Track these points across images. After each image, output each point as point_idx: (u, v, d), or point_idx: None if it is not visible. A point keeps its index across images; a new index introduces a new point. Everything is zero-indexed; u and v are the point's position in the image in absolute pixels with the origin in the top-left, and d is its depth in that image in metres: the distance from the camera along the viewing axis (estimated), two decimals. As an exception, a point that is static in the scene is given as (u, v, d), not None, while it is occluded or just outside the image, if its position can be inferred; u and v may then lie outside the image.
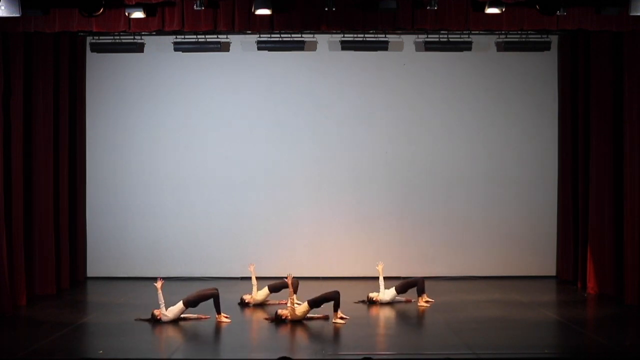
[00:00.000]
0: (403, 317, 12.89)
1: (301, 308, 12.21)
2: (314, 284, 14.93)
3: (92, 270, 16.46)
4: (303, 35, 15.53)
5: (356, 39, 15.63)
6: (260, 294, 13.63)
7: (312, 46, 16.32)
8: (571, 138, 15.93)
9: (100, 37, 15.61)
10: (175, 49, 15.70)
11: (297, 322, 12.15)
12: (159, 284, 12.34)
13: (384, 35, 15.62)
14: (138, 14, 12.55)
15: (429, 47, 15.81)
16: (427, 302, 13.60)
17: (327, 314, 12.38)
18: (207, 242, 16.45)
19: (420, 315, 13.04)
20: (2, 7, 11.55)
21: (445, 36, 15.65)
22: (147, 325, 12.14)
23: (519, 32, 15.30)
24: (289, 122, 16.61)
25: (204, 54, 16.05)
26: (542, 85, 16.56)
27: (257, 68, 16.52)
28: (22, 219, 13.66)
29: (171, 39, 15.69)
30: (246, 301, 13.60)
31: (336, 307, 12.18)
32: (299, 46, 15.60)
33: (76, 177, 16.08)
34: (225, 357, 10.52)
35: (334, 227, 16.52)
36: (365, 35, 15.58)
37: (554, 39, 16.10)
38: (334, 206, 16.55)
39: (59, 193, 15.24)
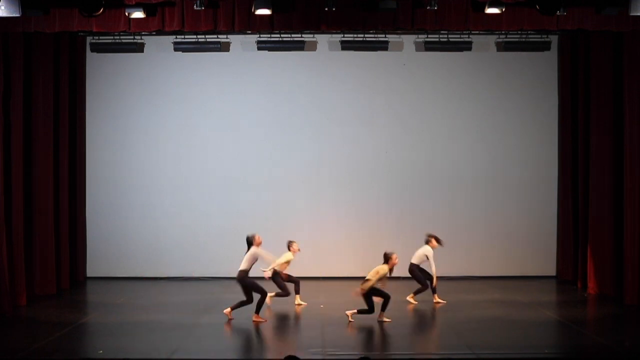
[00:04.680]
0: (403, 317, 12.88)
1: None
2: (314, 284, 14.95)
3: (92, 270, 16.46)
4: (303, 35, 15.52)
5: (356, 39, 15.62)
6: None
7: (312, 46, 16.32)
8: (571, 138, 15.93)
9: (100, 37, 15.61)
10: (175, 49, 15.70)
11: (294, 320, 12.17)
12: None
13: (384, 35, 15.62)
14: (138, 14, 12.56)
15: (429, 47, 15.81)
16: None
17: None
18: (207, 242, 16.44)
19: (421, 315, 13.03)
20: (2, 7, 11.56)
21: (445, 36, 15.65)
22: (147, 325, 12.13)
23: (519, 32, 15.30)
24: (288, 122, 16.62)
25: (204, 54, 16.05)
26: (542, 85, 16.56)
27: (257, 68, 16.52)
28: (22, 219, 13.66)
29: (171, 39, 15.68)
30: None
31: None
32: (299, 46, 15.59)
33: (76, 177, 16.08)
34: (226, 357, 10.52)
35: (334, 227, 16.52)
36: (365, 35, 15.58)
37: (554, 39, 16.10)
38: (333, 206, 16.55)
39: (59, 193, 15.24)
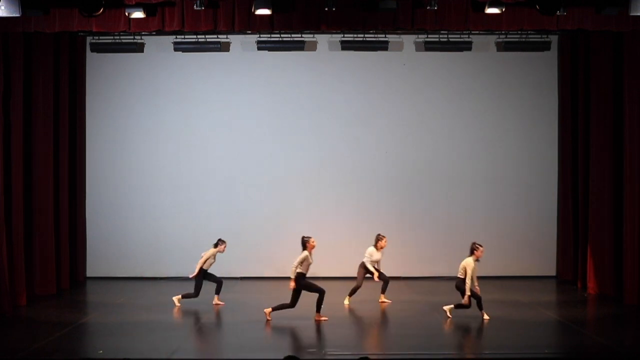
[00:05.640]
0: (402, 317, 12.88)
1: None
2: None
3: (92, 270, 16.46)
4: (303, 35, 15.52)
5: (356, 39, 15.62)
6: None
7: (312, 46, 16.32)
8: (571, 138, 15.93)
9: (100, 37, 15.61)
10: (175, 49, 15.70)
11: (294, 320, 12.19)
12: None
13: (384, 35, 15.62)
14: (138, 14, 12.56)
15: (429, 47, 15.81)
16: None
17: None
18: (207, 242, 16.38)
19: (420, 315, 13.02)
20: (2, 7, 11.56)
21: (445, 36, 15.65)
22: (147, 325, 12.13)
23: (519, 32, 15.29)
24: (288, 122, 16.61)
25: (204, 54, 16.05)
26: (542, 85, 16.56)
27: (257, 68, 16.52)
28: (22, 218, 13.66)
29: (171, 39, 15.68)
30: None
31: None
32: (299, 46, 15.59)
33: (76, 177, 16.09)
34: (226, 357, 10.51)
35: (334, 227, 16.51)
36: (365, 35, 15.58)
37: (554, 39, 16.09)
38: (334, 206, 16.55)
39: (59, 193, 15.24)
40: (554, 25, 12.80)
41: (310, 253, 12.30)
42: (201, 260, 13.48)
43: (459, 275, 12.43)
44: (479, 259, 12.40)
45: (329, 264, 16.46)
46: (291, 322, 12.28)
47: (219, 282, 13.64)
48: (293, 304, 12.30)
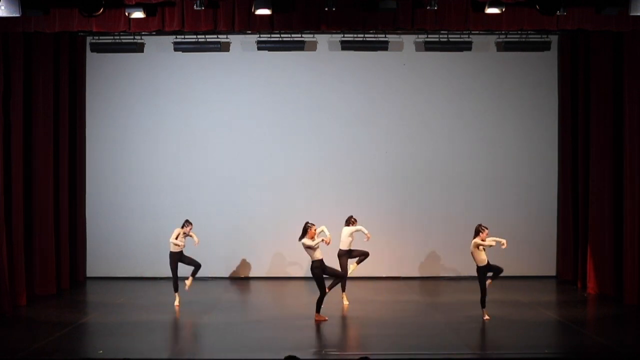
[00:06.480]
0: (402, 317, 12.88)
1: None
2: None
3: (92, 271, 16.45)
4: (303, 35, 15.52)
5: (356, 39, 15.62)
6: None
7: (312, 46, 16.32)
8: (571, 138, 15.93)
9: (100, 37, 15.61)
10: (175, 49, 15.71)
11: (295, 320, 12.19)
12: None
13: (384, 35, 15.62)
14: (138, 14, 12.56)
15: (429, 47, 15.81)
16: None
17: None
18: (207, 242, 16.40)
19: (421, 315, 13.02)
20: (2, 7, 11.57)
21: (445, 36, 15.65)
22: (147, 325, 12.13)
23: (519, 32, 15.30)
24: (288, 122, 16.61)
25: (204, 54, 16.05)
26: (542, 85, 16.55)
27: (257, 68, 16.51)
28: (22, 219, 13.66)
29: (171, 39, 15.68)
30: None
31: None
32: (299, 46, 15.60)
33: (76, 177, 16.08)
34: (226, 357, 10.52)
35: (334, 227, 16.45)
36: (365, 35, 15.58)
37: (554, 39, 16.09)
38: (333, 206, 16.52)
39: (59, 193, 15.24)
40: (554, 25, 12.80)
41: (313, 239, 12.36)
42: (172, 237, 13.42)
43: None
44: (484, 240, 12.29)
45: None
46: (291, 322, 12.29)
47: (196, 265, 13.52)
48: (343, 273, 12.74)
